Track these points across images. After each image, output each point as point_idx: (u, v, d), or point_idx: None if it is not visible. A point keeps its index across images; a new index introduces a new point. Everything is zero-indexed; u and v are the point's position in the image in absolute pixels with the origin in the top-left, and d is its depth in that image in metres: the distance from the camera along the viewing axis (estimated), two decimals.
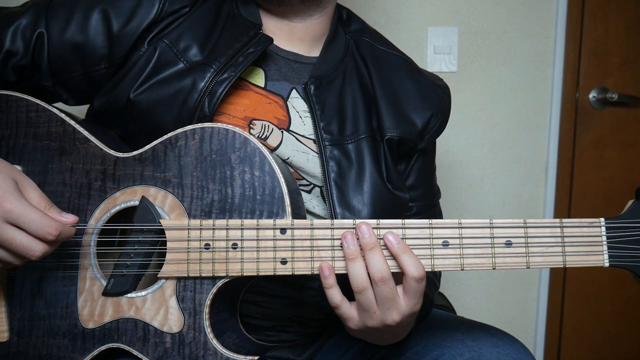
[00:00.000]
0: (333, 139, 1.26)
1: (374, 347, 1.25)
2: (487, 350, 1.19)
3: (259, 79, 1.28)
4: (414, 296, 1.05)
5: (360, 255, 1.04)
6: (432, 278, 1.42)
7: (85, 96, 1.30)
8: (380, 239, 1.05)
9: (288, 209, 1.08)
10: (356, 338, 1.20)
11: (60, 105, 1.23)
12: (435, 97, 1.40)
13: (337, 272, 1.06)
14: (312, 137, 1.28)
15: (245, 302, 1.23)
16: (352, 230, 1.06)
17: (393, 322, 1.05)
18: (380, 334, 1.12)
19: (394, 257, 1.04)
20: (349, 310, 1.08)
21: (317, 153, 1.27)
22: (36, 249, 1.01)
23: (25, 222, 0.99)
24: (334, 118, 1.28)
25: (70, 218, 1.04)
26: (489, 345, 1.20)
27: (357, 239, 1.05)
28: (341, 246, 1.05)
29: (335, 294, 1.06)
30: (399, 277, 1.05)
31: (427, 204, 1.43)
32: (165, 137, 1.12)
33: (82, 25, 1.22)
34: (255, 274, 1.07)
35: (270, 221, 1.07)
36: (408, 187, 1.37)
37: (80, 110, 1.36)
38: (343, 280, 1.06)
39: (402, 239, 1.05)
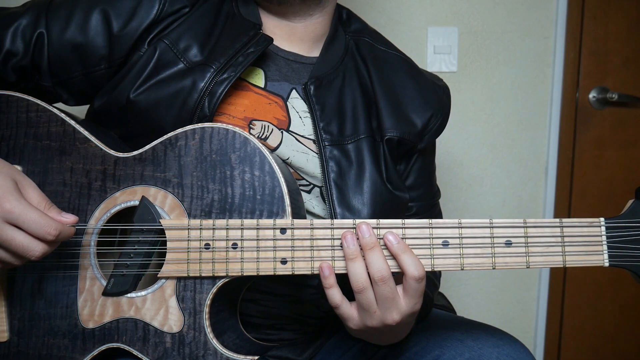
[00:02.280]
0: (333, 139, 1.26)
1: (374, 347, 1.25)
2: (487, 351, 1.19)
3: (259, 79, 1.28)
4: (414, 296, 1.05)
5: (360, 255, 1.04)
6: (432, 278, 1.42)
7: (85, 96, 1.30)
8: (380, 238, 1.05)
9: (288, 209, 1.09)
10: (356, 338, 1.20)
11: (60, 105, 1.23)
12: (435, 97, 1.40)
13: (337, 272, 1.06)
14: (312, 137, 1.28)
15: (244, 301, 1.23)
16: (352, 230, 1.06)
17: (393, 322, 1.05)
18: (380, 334, 1.12)
19: (393, 256, 1.04)
20: (349, 310, 1.08)
21: (317, 153, 1.27)
22: (36, 249, 1.01)
23: (25, 222, 0.99)
24: (333, 118, 1.28)
25: (70, 218, 1.04)
26: (489, 346, 1.20)
27: (357, 238, 1.05)
28: (341, 246, 1.06)
29: (335, 294, 1.06)
30: (398, 277, 1.06)
31: (427, 204, 1.43)
32: (165, 137, 1.12)
33: (82, 25, 1.22)
34: (255, 273, 1.07)
35: (270, 221, 1.07)
36: (408, 187, 1.38)
37: (80, 111, 1.36)
38: (343, 280, 1.06)
39: (402, 238, 1.05)
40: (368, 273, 1.04)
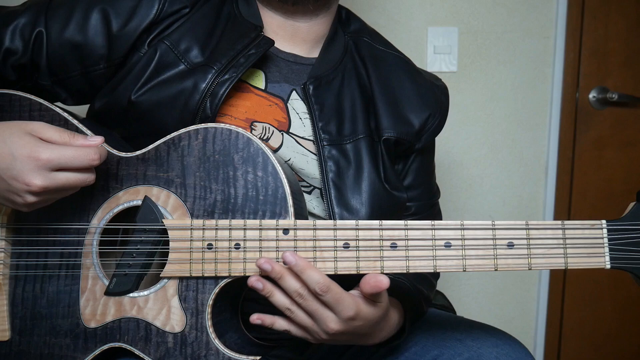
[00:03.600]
0: (331, 138, 1.27)
1: (373, 347, 1.25)
2: (486, 350, 1.19)
3: (260, 81, 1.28)
4: (334, 305, 1.06)
5: (275, 289, 1.07)
6: (428, 276, 1.41)
7: (84, 96, 1.30)
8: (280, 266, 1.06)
9: (291, 210, 1.09)
10: None
11: (62, 104, 1.23)
12: (433, 97, 1.40)
13: (339, 272, 1.07)
14: (311, 138, 1.28)
15: (245, 300, 1.23)
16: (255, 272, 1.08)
17: (335, 331, 1.07)
18: (348, 339, 1.14)
19: (298, 275, 1.05)
20: (297, 332, 1.12)
21: (316, 154, 1.27)
22: (91, 177, 1.06)
23: (68, 162, 1.02)
24: (332, 118, 1.28)
25: (97, 139, 1.06)
26: (489, 345, 1.20)
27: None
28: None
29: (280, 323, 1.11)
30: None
31: (426, 204, 1.43)
32: (168, 137, 1.13)
33: (82, 24, 1.22)
34: (257, 274, 1.08)
35: (273, 221, 1.08)
36: (406, 186, 1.38)
37: (81, 111, 1.35)
38: (341, 280, 1.07)
39: (405, 239, 1.05)
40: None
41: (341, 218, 1.23)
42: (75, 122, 1.15)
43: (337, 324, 1.06)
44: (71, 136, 1.05)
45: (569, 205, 2.43)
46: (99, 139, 1.06)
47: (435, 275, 1.47)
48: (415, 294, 1.28)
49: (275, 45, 1.29)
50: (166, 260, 1.09)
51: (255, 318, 1.09)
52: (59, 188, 1.03)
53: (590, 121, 2.42)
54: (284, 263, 1.05)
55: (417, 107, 1.36)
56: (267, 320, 1.09)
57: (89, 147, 1.04)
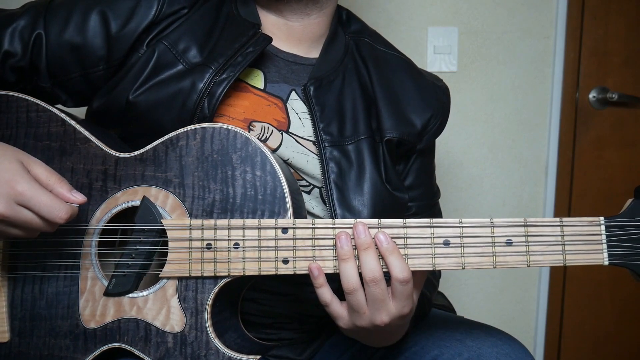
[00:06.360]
0: (333, 140, 1.26)
1: (372, 347, 1.25)
2: (486, 350, 1.19)
3: (259, 80, 1.28)
4: (401, 298, 1.05)
5: (353, 256, 1.05)
6: (431, 278, 1.42)
7: (84, 98, 1.30)
8: (372, 238, 1.05)
9: (289, 209, 1.09)
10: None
11: (59, 106, 1.23)
12: (434, 97, 1.40)
13: (339, 271, 1.06)
14: (312, 138, 1.28)
15: (244, 300, 1.23)
16: (346, 230, 1.06)
17: (382, 323, 1.06)
18: (370, 334, 1.13)
19: (382, 256, 1.05)
20: (338, 309, 1.09)
21: (317, 154, 1.27)
22: (49, 229, 1.03)
23: (36, 206, 1.00)
24: (333, 119, 1.28)
25: (79, 198, 1.04)
26: (488, 345, 1.20)
27: (352, 238, 1.05)
28: (334, 246, 1.06)
29: (325, 293, 1.07)
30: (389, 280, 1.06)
31: (426, 204, 1.43)
32: (166, 137, 1.12)
33: (81, 26, 1.22)
34: (257, 273, 1.08)
35: (272, 221, 1.08)
36: (407, 187, 1.38)
37: (80, 111, 1.36)
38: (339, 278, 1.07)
39: (404, 238, 1.05)
40: (360, 274, 1.05)
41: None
42: (72, 122, 1.15)
43: (389, 318, 1.06)
44: (58, 181, 1.04)
45: (569, 205, 2.43)
46: (80, 198, 1.04)
47: (437, 276, 1.47)
48: (420, 297, 1.28)
49: (274, 44, 1.29)
50: (165, 260, 1.09)
51: (315, 267, 1.06)
52: (18, 223, 1.00)
53: (590, 121, 2.42)
54: (375, 242, 1.05)
55: (419, 108, 1.37)
56: (321, 279, 1.07)
57: (63, 203, 1.02)
